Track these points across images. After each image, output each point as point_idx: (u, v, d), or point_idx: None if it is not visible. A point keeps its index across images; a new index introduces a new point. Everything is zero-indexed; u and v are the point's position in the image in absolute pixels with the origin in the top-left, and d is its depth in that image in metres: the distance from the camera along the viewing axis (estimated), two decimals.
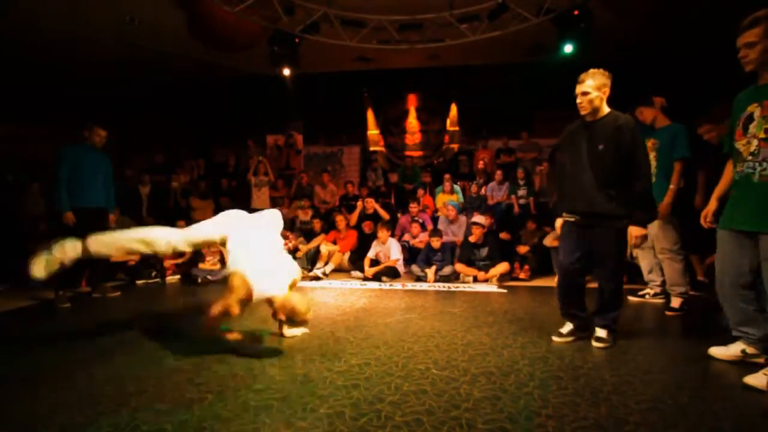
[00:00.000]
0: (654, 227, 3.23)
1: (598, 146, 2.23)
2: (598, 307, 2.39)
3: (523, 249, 4.91)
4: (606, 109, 2.28)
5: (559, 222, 2.52)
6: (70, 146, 3.74)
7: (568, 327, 2.46)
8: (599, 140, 2.23)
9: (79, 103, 7.05)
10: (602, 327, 2.36)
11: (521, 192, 6.05)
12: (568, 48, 5.40)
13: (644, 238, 2.21)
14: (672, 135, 3.07)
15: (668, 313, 3.08)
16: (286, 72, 6.08)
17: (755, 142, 1.76)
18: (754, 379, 1.76)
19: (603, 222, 2.25)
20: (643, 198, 2.21)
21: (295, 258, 5.19)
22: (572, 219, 2.38)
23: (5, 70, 6.49)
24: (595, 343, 2.32)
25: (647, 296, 3.48)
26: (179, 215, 5.70)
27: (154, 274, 4.83)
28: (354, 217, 5.86)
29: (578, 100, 2.27)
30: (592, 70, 2.25)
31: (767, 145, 1.72)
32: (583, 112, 2.28)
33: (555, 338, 2.44)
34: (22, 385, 1.91)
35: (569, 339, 2.42)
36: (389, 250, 4.92)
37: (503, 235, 5.28)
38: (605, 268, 2.33)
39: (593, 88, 2.22)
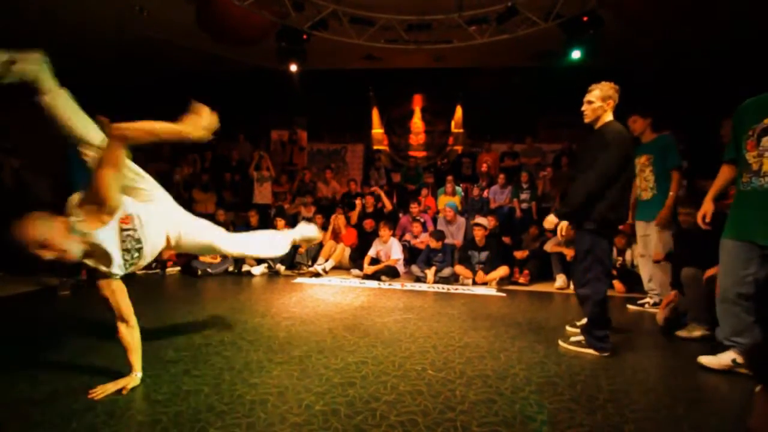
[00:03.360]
0: (653, 234, 3.28)
1: (584, 152, 2.44)
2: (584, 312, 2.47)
3: (519, 254, 4.90)
4: (607, 120, 2.36)
5: (563, 224, 2.53)
6: None
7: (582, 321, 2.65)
8: (590, 147, 2.38)
9: (85, 92, 7.05)
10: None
11: (524, 196, 6.04)
12: (576, 54, 5.38)
13: (551, 226, 2.44)
14: (662, 147, 3.24)
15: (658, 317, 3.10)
16: (293, 68, 6.07)
17: None
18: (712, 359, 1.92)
19: (581, 224, 2.36)
20: (573, 193, 2.34)
21: (296, 254, 5.20)
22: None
23: None
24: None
25: (647, 305, 3.47)
26: (181, 206, 5.70)
27: (154, 265, 4.84)
28: (354, 216, 5.86)
29: (583, 107, 2.41)
30: (602, 82, 2.37)
31: None
32: (585, 120, 2.43)
33: (569, 327, 2.76)
34: (22, 371, 1.92)
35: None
36: (390, 249, 4.92)
37: (506, 239, 5.28)
38: (578, 271, 2.42)
39: (598, 98, 2.34)
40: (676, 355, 2.39)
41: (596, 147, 2.30)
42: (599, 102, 2.34)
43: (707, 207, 2.19)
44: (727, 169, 2.15)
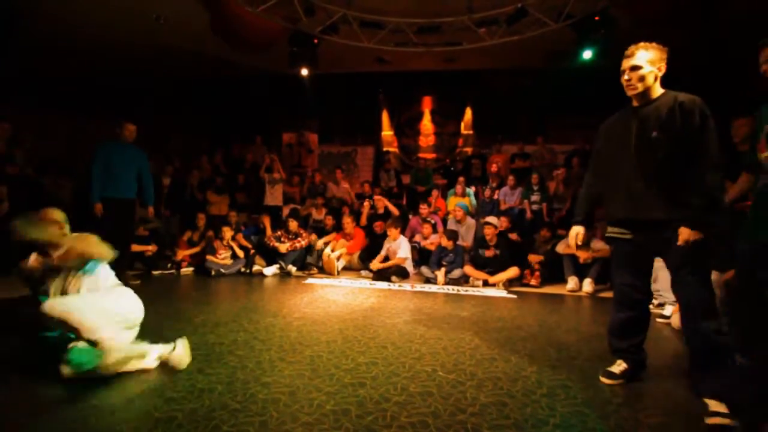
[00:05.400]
0: None
1: (650, 134, 1.76)
2: (692, 358, 1.83)
3: (534, 258, 4.85)
4: (660, 90, 1.82)
5: (576, 230, 2.11)
6: (105, 142, 3.99)
7: (620, 366, 1.96)
8: (652, 126, 1.76)
9: (105, 97, 7.28)
10: (711, 397, 1.63)
11: (534, 197, 5.99)
12: (587, 54, 5.33)
13: (695, 243, 1.67)
14: None
15: (660, 320, 3.04)
16: (304, 72, 6.15)
17: None
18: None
19: (664, 232, 1.75)
20: (708, 193, 1.66)
21: (308, 254, 5.25)
22: (627, 236, 1.90)
23: (33, 64, 6.73)
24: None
25: (651, 306, 3.41)
26: (196, 209, 5.81)
27: (169, 265, 4.94)
28: (363, 218, 5.89)
29: (626, 77, 1.82)
30: (643, 42, 1.81)
31: None
32: (631, 92, 1.84)
33: (603, 379, 1.94)
34: (44, 364, 1.98)
35: (620, 381, 1.92)
36: (398, 247, 4.92)
37: (513, 236, 5.25)
38: (686, 287, 1.73)
39: (646, 61, 1.77)
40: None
41: (656, 124, 1.75)
42: (649, 66, 1.77)
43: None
44: (745, 177, 2.04)
